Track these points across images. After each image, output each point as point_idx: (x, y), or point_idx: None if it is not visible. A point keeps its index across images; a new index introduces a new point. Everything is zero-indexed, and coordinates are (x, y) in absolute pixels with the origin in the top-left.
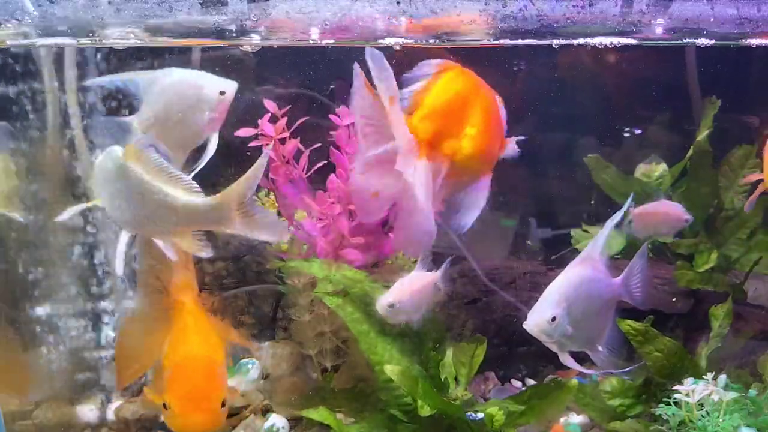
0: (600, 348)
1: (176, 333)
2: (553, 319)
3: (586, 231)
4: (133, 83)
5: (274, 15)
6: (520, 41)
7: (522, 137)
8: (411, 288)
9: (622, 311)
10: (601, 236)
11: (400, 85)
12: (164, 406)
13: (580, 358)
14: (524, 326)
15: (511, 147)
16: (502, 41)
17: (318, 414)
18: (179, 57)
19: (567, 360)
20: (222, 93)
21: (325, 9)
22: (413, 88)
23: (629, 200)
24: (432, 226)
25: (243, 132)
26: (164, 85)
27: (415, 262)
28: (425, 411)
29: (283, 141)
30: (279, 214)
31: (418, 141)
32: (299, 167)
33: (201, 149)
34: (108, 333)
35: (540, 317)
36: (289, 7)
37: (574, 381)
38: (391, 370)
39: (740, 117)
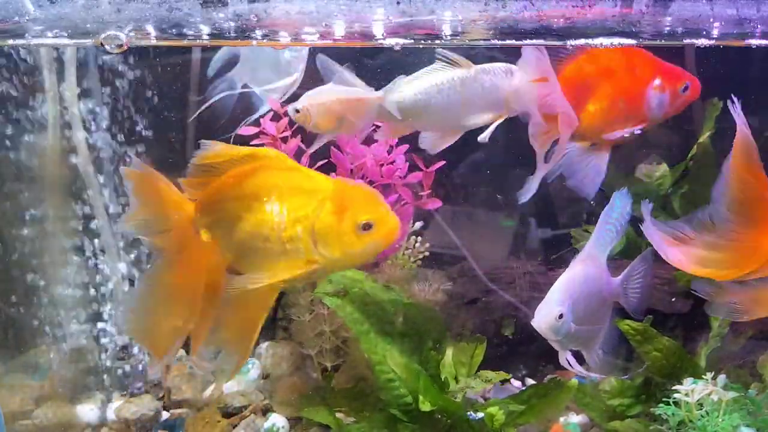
0: (596, 349)
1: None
2: (560, 316)
3: (586, 231)
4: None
5: (274, 15)
6: (518, 42)
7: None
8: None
9: (620, 311)
10: (600, 232)
11: None
12: (362, 227)
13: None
14: (532, 323)
15: None
16: (495, 41)
17: (318, 414)
18: (180, 56)
19: (567, 359)
20: None
21: (325, 9)
22: None
23: (622, 197)
24: None
25: (244, 131)
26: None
27: (416, 262)
28: (426, 406)
29: (285, 140)
30: None
31: None
32: None
33: None
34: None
35: (548, 315)
36: (289, 7)
37: (574, 381)
38: (394, 363)
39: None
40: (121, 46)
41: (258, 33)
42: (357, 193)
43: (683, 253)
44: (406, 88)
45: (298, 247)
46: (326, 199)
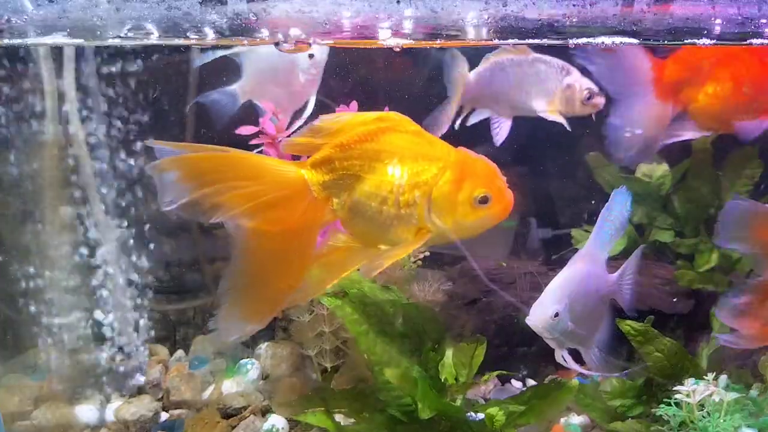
0: (593, 346)
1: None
2: (556, 315)
3: (586, 231)
4: (236, 54)
5: (273, 14)
6: (520, 41)
7: None
8: None
9: (621, 311)
10: (598, 231)
11: None
12: (479, 200)
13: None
14: (527, 321)
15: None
16: (498, 41)
17: (316, 418)
18: (180, 56)
19: (564, 357)
20: (311, 56)
21: (324, 9)
22: None
23: (621, 195)
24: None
25: (243, 130)
26: (259, 55)
27: (416, 263)
28: (425, 413)
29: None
30: None
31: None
32: None
33: None
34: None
35: (543, 313)
36: (288, 7)
37: (575, 381)
38: (391, 373)
39: None
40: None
41: (258, 32)
42: (478, 166)
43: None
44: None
45: (412, 213)
46: (447, 168)
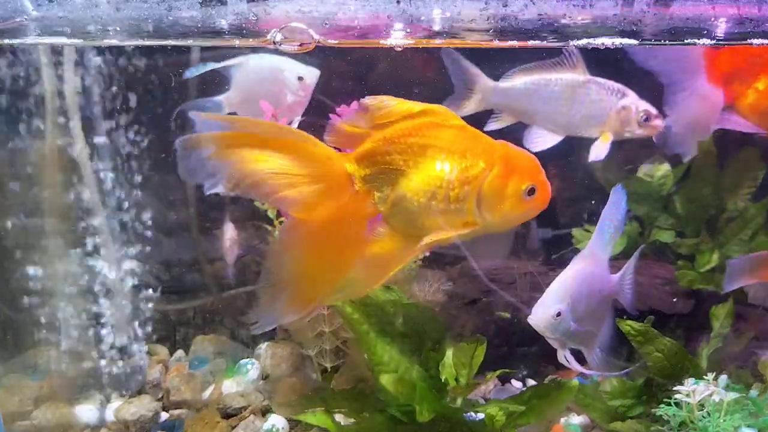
0: (595, 347)
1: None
2: (558, 314)
3: (587, 230)
4: (226, 67)
5: (274, 14)
6: (520, 41)
7: None
8: None
9: (622, 311)
10: (600, 231)
11: None
12: (528, 192)
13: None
14: (528, 321)
15: None
16: (499, 42)
17: (316, 418)
18: (180, 56)
19: (566, 357)
20: (300, 78)
21: (324, 9)
22: None
23: (618, 192)
24: None
25: None
26: (250, 69)
27: (416, 262)
28: (424, 417)
29: None
30: (279, 214)
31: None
32: None
33: None
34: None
35: (545, 312)
36: (288, 7)
37: (575, 381)
38: (387, 379)
39: None
40: None
41: (258, 33)
42: (522, 159)
43: None
44: (518, 77)
45: (462, 208)
46: (495, 163)
